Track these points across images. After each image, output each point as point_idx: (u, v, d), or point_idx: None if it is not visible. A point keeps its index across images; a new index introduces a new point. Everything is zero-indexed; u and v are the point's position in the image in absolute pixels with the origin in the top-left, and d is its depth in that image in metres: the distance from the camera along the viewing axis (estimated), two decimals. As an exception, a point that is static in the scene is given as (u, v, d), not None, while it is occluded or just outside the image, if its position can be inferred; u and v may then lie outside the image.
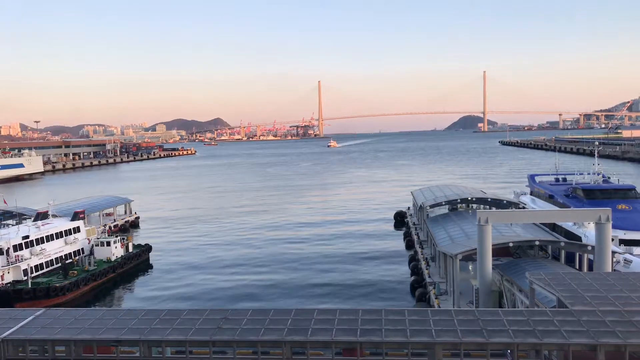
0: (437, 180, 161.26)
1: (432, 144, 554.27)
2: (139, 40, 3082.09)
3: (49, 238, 66.36)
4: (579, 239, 54.51)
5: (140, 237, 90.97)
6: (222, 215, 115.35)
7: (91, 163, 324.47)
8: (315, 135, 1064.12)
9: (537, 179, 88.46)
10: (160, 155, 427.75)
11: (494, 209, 65.16)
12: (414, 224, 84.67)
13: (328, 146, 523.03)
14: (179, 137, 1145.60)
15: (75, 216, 74.74)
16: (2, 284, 57.90)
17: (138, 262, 73.14)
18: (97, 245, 70.23)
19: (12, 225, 76.35)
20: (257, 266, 70.91)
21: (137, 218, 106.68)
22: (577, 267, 49.07)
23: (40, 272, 62.30)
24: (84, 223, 75.23)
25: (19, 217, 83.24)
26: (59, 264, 64.87)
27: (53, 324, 27.36)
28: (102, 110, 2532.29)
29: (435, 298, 48.63)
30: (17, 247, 61.28)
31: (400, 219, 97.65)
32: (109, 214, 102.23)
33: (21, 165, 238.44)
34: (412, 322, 25.36)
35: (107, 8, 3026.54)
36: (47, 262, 64.06)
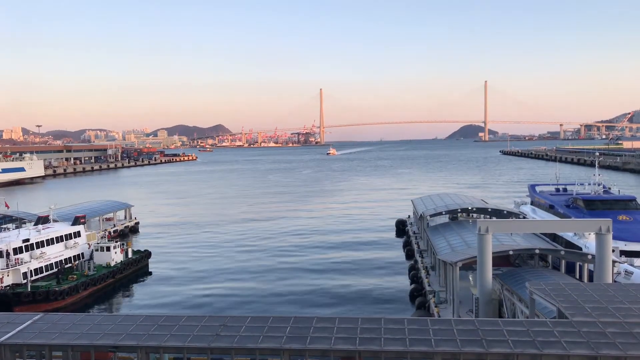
0: (437, 188, 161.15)
1: (433, 152, 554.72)
2: (142, 45, 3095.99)
3: (49, 242, 66.35)
4: (579, 249, 54.35)
5: (139, 243, 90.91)
6: (222, 221, 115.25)
7: (92, 168, 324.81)
8: (316, 142, 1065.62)
9: (538, 188, 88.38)
10: (161, 160, 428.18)
11: (494, 219, 65.08)
12: (414, 232, 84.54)
13: (327, 154, 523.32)
14: (181, 143, 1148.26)
15: (76, 221, 74.81)
16: (2, 287, 57.85)
17: (137, 268, 73.06)
18: (97, 250, 70.20)
19: (13, 228, 76.41)
20: (256, 273, 70.74)
21: (137, 223, 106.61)
22: (578, 277, 48.94)
23: (39, 275, 62.24)
24: (85, 228, 75.21)
25: (20, 221, 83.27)
26: (59, 268, 64.84)
27: (51, 329, 27.26)
28: (104, 116, 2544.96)
29: (435, 307, 48.49)
30: (17, 250, 61.25)
31: (401, 227, 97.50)
32: (109, 219, 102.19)
33: (22, 169, 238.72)
34: (412, 331, 25.25)
35: (110, 13, 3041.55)
36: (47, 266, 63.99)
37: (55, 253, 66.34)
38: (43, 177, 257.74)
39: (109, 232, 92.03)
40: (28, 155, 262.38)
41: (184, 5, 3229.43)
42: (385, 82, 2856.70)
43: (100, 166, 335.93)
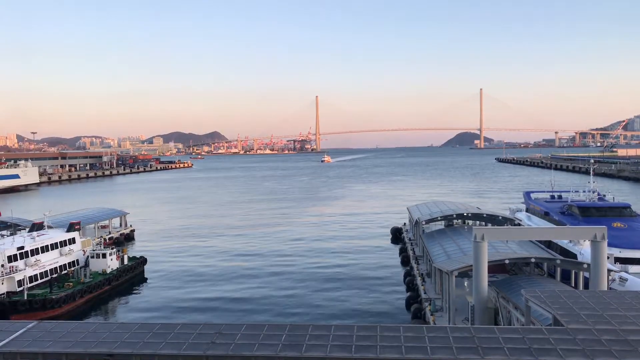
0: (433, 196, 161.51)
1: (428, 159, 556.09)
2: (138, 52, 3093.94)
3: (44, 249, 66.01)
4: (574, 256, 54.54)
5: (135, 250, 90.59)
6: (218, 228, 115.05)
7: (87, 175, 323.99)
8: (312, 149, 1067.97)
9: (533, 195, 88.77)
10: (156, 167, 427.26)
11: (489, 225, 65.24)
12: (409, 239, 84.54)
13: (322, 161, 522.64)
14: (176, 150, 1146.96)
15: (71, 227, 74.50)
16: (-3, 295, 57.45)
17: (133, 275, 72.79)
18: (92, 257, 69.90)
19: (7, 235, 76.01)
20: (252, 281, 70.57)
21: (133, 231, 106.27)
22: (573, 284, 49.06)
23: (34, 283, 61.85)
24: (79, 234, 74.91)
25: (14, 227, 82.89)
26: (55, 275, 64.53)
27: (45, 337, 27.09)
28: (100, 123, 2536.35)
29: (431, 314, 48.46)
30: (12, 258, 60.89)
31: (397, 235, 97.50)
32: (104, 226, 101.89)
33: (17, 176, 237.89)
34: (407, 338, 25.21)
35: (105, 21, 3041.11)
36: (41, 274, 63.63)
37: (50, 260, 66.00)
38: (38, 184, 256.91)
39: (105, 239, 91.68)
40: (23, 162, 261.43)
41: (180, 13, 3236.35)
42: (381, 90, 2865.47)
43: (95, 173, 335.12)
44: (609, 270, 43.75)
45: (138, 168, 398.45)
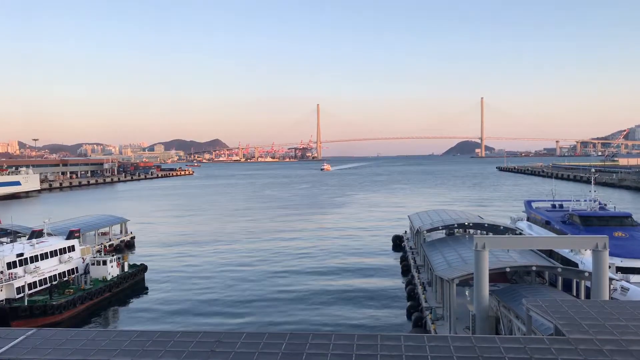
0: (434, 204, 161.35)
1: (429, 168, 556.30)
2: (139, 60, 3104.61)
3: (44, 256, 65.96)
4: (575, 265, 54.38)
5: (135, 257, 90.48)
6: (218, 236, 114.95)
7: (88, 182, 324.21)
8: (313, 157, 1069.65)
9: (534, 204, 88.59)
10: (158, 175, 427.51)
11: (490, 234, 65.10)
12: (410, 248, 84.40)
13: (322, 169, 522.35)
14: (177, 157, 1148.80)
15: (71, 235, 74.47)
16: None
17: (133, 282, 72.70)
18: (93, 264, 69.83)
19: (7, 242, 75.95)
20: (252, 288, 70.42)
21: (133, 238, 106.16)
22: (574, 294, 48.89)
23: (33, 290, 61.74)
24: (79, 242, 74.85)
25: (14, 234, 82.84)
26: (54, 282, 64.42)
27: (44, 345, 26.97)
28: (101, 130, 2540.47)
29: (432, 323, 48.28)
30: (11, 265, 60.83)
31: (398, 243, 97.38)
32: (104, 234, 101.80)
33: (18, 183, 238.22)
34: (408, 347, 25.08)
35: (107, 28, 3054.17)
36: (40, 281, 63.54)
37: (49, 267, 65.93)
38: (39, 191, 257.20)
39: (105, 246, 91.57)
40: (24, 169, 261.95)
41: (181, 21, 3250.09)
42: (382, 98, 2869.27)
43: (96, 180, 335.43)
44: (611, 280, 43.60)
45: (139, 175, 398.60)
